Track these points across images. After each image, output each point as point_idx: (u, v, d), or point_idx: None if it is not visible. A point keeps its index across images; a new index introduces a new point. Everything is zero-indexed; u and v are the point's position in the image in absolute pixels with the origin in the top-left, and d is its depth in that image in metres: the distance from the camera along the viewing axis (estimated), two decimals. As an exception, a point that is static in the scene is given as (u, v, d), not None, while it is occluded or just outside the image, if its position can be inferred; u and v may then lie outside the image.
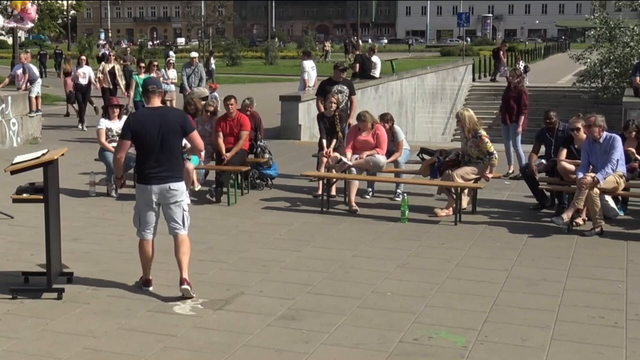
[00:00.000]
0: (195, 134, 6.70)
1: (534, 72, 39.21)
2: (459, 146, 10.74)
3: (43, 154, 6.60)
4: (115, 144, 10.54)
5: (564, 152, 9.38)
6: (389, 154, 10.54)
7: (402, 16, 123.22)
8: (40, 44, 56.16)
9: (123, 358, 5.31)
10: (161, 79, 18.13)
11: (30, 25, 19.24)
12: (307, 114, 17.55)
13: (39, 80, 19.09)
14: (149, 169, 6.50)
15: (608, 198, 9.21)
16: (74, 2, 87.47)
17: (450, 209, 9.56)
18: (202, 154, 10.87)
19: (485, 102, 31.18)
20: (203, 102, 11.76)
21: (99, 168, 11.22)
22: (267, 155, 11.38)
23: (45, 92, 23.11)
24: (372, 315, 6.15)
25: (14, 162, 6.66)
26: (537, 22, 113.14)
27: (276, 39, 58.81)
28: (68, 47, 74.04)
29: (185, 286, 6.48)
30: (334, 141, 10.99)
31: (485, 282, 7.03)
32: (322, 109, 11.60)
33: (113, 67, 19.19)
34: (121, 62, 23.92)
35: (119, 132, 10.00)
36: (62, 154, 6.79)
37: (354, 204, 9.92)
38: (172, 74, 19.41)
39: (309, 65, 19.40)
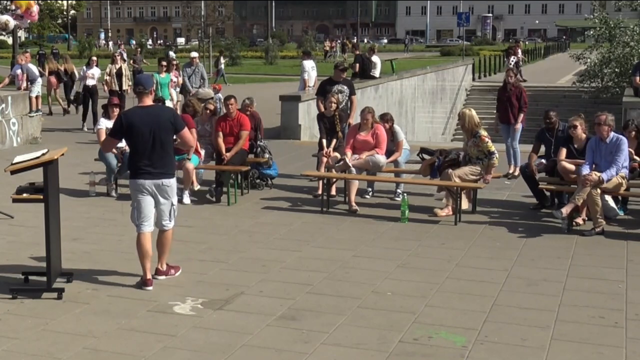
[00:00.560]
0: (185, 132, 6.93)
1: (534, 72, 39.30)
2: (459, 146, 10.75)
3: (43, 154, 6.59)
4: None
5: (563, 152, 9.38)
6: (388, 154, 10.54)
7: (402, 16, 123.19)
8: (40, 43, 56.13)
9: (123, 358, 5.31)
10: (180, 79, 17.84)
11: (27, 23, 19.15)
12: (307, 114, 17.55)
13: (39, 80, 19.05)
14: (142, 166, 6.72)
15: (608, 198, 9.22)
16: (74, 2, 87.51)
17: (450, 208, 9.55)
18: (202, 153, 10.89)
19: (486, 101, 31.15)
20: (202, 103, 11.77)
21: (99, 168, 11.22)
22: (267, 155, 11.38)
23: (44, 91, 23.09)
24: (372, 315, 6.15)
25: (14, 162, 6.65)
26: (537, 22, 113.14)
27: (270, 40, 58.70)
28: (68, 47, 74.06)
29: (157, 276, 6.94)
30: (334, 141, 10.99)
31: (485, 282, 7.03)
32: (322, 109, 11.60)
33: (120, 68, 18.81)
34: (131, 62, 23.68)
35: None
36: (62, 154, 6.79)
37: (354, 203, 9.92)
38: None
39: (309, 65, 19.40)
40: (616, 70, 27.62)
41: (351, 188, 10.01)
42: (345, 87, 12.50)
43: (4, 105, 15.46)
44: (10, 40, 42.94)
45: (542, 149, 10.26)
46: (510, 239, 8.61)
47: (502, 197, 10.80)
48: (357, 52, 24.69)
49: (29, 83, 18.24)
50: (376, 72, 23.15)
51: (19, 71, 18.40)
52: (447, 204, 9.68)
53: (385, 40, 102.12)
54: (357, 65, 22.44)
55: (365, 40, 77.86)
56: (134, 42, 76.21)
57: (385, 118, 10.82)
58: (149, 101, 6.84)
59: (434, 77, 31.59)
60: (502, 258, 7.80)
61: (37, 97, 18.27)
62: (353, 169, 10.25)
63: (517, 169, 11.56)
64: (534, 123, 13.88)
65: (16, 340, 5.58)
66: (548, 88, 32.16)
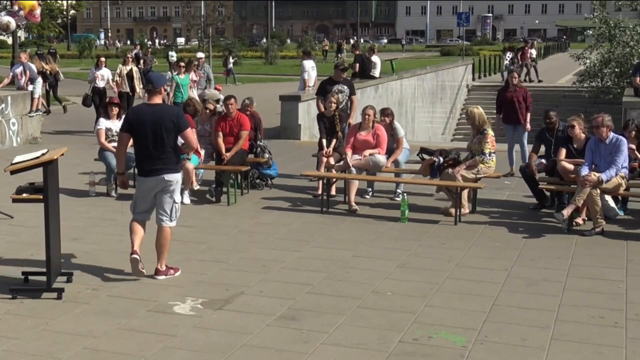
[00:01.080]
0: (188, 132, 7.01)
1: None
2: (459, 146, 10.77)
3: (43, 154, 6.59)
4: (114, 144, 10.65)
5: (563, 152, 9.38)
6: (389, 152, 10.54)
7: (402, 16, 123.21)
8: (40, 43, 56.11)
9: (123, 358, 5.31)
10: (202, 79, 17.46)
11: (25, 20, 19.07)
12: (307, 113, 17.55)
13: (40, 79, 19.03)
14: (145, 162, 6.93)
15: (608, 198, 9.22)
16: (74, 2, 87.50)
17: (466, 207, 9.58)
18: (202, 153, 10.89)
19: (486, 101, 31.11)
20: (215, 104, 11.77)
21: (99, 168, 11.22)
22: (267, 155, 11.38)
23: (44, 91, 23.09)
24: (372, 315, 6.15)
25: (13, 162, 6.65)
26: (537, 22, 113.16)
27: (265, 40, 58.77)
28: (68, 47, 74.06)
29: (156, 276, 6.99)
30: (334, 141, 10.99)
31: (485, 282, 7.03)
32: (322, 109, 11.60)
33: (131, 70, 18.27)
34: (141, 62, 23.25)
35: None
36: (62, 154, 6.79)
37: (353, 203, 9.92)
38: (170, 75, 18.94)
39: (309, 65, 19.39)
40: (616, 70, 27.62)
41: (351, 188, 10.01)
42: (346, 87, 12.50)
43: (3, 105, 15.47)
44: (10, 40, 42.94)
45: (542, 149, 10.26)
46: (510, 239, 8.61)
47: (502, 197, 10.80)
48: (357, 52, 24.69)
49: (28, 82, 18.20)
50: (376, 72, 23.16)
51: (18, 70, 18.34)
52: (452, 205, 9.69)
53: (385, 40, 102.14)
54: (357, 65, 22.45)
55: (362, 40, 77.79)
56: (149, 42, 75.82)
57: (386, 112, 10.84)
58: (157, 100, 6.98)
59: (434, 77, 31.59)
60: (502, 258, 7.80)
61: (37, 97, 18.24)
62: (353, 169, 10.25)
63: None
64: (534, 123, 13.85)
65: (16, 340, 5.57)
66: (548, 88, 32.14)
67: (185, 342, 5.58)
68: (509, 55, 37.07)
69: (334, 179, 10.32)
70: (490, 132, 9.85)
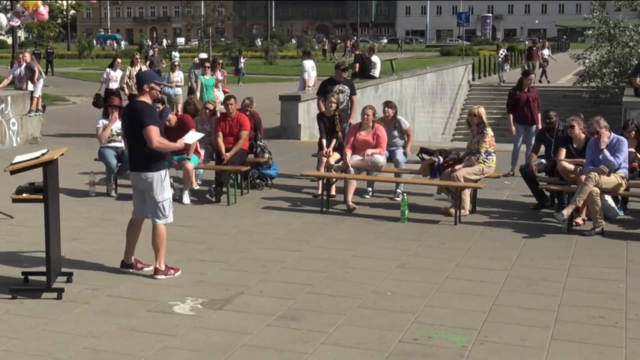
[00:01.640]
0: (147, 130, 6.79)
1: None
2: (459, 146, 10.78)
3: (43, 154, 6.59)
4: (114, 144, 10.68)
5: (563, 152, 9.38)
6: (395, 146, 10.67)
7: (402, 16, 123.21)
8: (40, 43, 56.10)
9: (123, 358, 5.31)
10: (222, 77, 17.16)
11: (30, 19, 19.02)
12: (307, 113, 17.55)
13: (41, 80, 18.99)
14: (129, 157, 7.19)
15: (608, 198, 9.21)
16: (74, 2, 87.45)
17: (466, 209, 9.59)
18: (202, 153, 10.89)
19: (486, 101, 31.15)
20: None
21: (99, 168, 11.22)
22: (267, 155, 11.38)
23: (44, 91, 23.09)
24: (372, 315, 6.15)
25: (13, 162, 6.65)
26: (537, 22, 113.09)
27: (258, 40, 58.80)
28: (68, 47, 74.06)
29: (156, 275, 7.07)
30: (334, 141, 10.99)
31: (485, 282, 7.03)
32: (323, 109, 11.60)
33: (139, 71, 17.18)
34: (147, 63, 22.92)
35: (118, 131, 10.07)
36: (62, 154, 6.79)
37: (351, 203, 9.92)
38: (178, 76, 18.30)
39: (309, 65, 19.39)
40: (615, 70, 27.62)
41: (349, 188, 10.01)
42: (346, 87, 12.50)
43: (3, 105, 15.47)
44: (10, 40, 42.92)
45: (542, 149, 10.26)
46: (510, 239, 8.61)
47: (502, 197, 10.80)
48: (357, 52, 24.70)
49: (28, 82, 18.16)
50: (376, 72, 23.17)
51: (19, 70, 18.30)
52: (452, 205, 9.69)
53: (385, 40, 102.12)
54: (357, 65, 22.45)
55: (360, 40, 77.86)
56: (165, 41, 75.43)
57: (390, 105, 10.95)
58: (142, 97, 7.05)
59: (434, 77, 31.60)
60: (502, 258, 7.80)
61: (37, 97, 18.19)
62: (352, 169, 10.25)
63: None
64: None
65: (16, 340, 5.57)
66: (548, 88, 32.13)
67: (185, 342, 5.58)
68: (502, 52, 37.28)
69: (334, 179, 10.32)
70: (490, 132, 9.85)
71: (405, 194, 10.02)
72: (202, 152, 10.91)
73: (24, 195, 6.60)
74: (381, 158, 10.36)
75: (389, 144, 10.66)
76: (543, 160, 10.04)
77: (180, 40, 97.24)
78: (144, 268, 7.21)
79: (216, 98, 16.16)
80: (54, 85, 33.45)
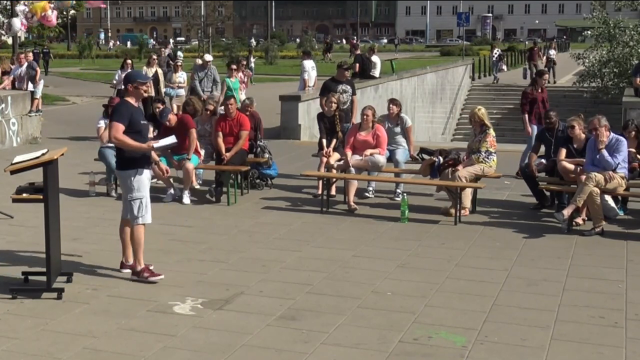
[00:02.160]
0: (111, 124, 6.93)
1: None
2: (459, 146, 10.78)
3: (43, 154, 6.59)
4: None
5: (563, 152, 9.38)
6: (395, 143, 10.70)
7: (402, 16, 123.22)
8: (40, 43, 56.10)
9: (123, 358, 5.31)
10: (246, 78, 16.61)
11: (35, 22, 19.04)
12: (307, 113, 17.56)
13: (42, 80, 18.99)
14: None
15: (608, 198, 9.22)
16: (74, 2, 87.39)
17: (466, 210, 9.59)
18: (202, 153, 10.89)
19: (486, 101, 31.16)
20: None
21: (99, 168, 11.22)
22: (267, 155, 11.38)
23: (44, 91, 23.10)
24: (372, 315, 6.15)
25: (13, 162, 6.65)
26: (537, 22, 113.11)
27: (252, 41, 58.82)
28: (68, 47, 74.04)
29: (122, 269, 7.17)
30: (334, 141, 10.99)
31: (485, 282, 7.03)
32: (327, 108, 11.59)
33: (155, 72, 17.15)
34: (166, 62, 22.33)
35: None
36: (62, 154, 6.79)
37: (352, 203, 9.92)
38: (181, 76, 18.03)
39: (309, 65, 19.38)
40: (615, 70, 27.61)
41: (350, 188, 10.01)
42: (349, 87, 12.52)
43: (3, 105, 15.47)
44: (10, 40, 42.93)
45: (542, 149, 10.26)
46: (510, 239, 8.61)
47: (502, 197, 10.80)
48: (357, 52, 24.69)
49: (29, 82, 18.16)
50: (376, 72, 23.16)
51: (20, 71, 18.30)
52: (452, 205, 9.69)
53: (385, 40, 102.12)
54: (357, 65, 22.44)
55: (360, 40, 77.77)
56: (172, 40, 75.09)
57: (395, 102, 10.97)
58: (127, 97, 7.02)
59: (434, 77, 31.59)
60: (502, 258, 7.80)
61: (38, 98, 18.18)
62: (352, 169, 10.25)
63: None
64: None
65: (16, 340, 5.57)
66: (548, 88, 32.06)
67: (185, 342, 5.58)
68: (496, 51, 37.40)
69: (334, 179, 10.33)
70: (492, 133, 9.85)
71: (405, 194, 10.02)
72: (202, 152, 10.91)
73: (24, 195, 6.60)
74: (381, 158, 10.36)
75: (391, 142, 10.67)
76: (543, 160, 10.04)
77: (181, 40, 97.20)
78: None
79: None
80: (54, 85, 33.45)
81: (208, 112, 11.29)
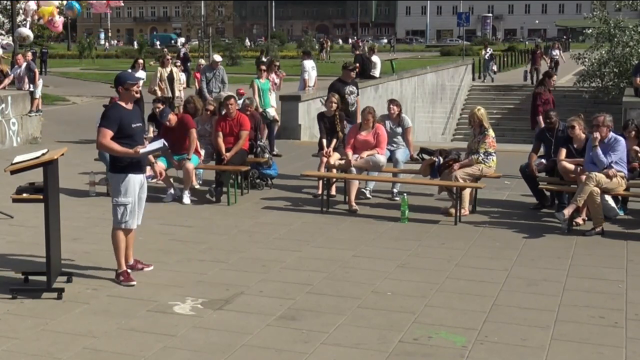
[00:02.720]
0: (98, 130, 6.80)
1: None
2: (459, 146, 10.78)
3: (43, 154, 6.59)
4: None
5: (563, 152, 9.38)
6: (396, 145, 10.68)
7: (402, 16, 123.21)
8: (40, 43, 56.08)
9: (123, 358, 5.31)
10: (278, 80, 16.27)
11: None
12: (307, 113, 17.56)
13: (41, 80, 19.01)
14: None
15: (608, 198, 9.21)
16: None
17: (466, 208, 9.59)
18: (202, 153, 10.89)
19: (486, 101, 31.18)
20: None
21: (99, 168, 11.22)
22: (267, 155, 11.38)
23: (44, 91, 23.11)
24: (372, 315, 6.15)
25: (13, 162, 6.65)
26: (537, 22, 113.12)
27: (247, 41, 58.84)
28: (68, 47, 74.05)
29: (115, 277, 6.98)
30: (334, 141, 10.99)
31: (485, 282, 7.03)
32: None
33: (171, 72, 16.41)
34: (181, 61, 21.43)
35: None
36: (62, 154, 6.79)
37: (353, 203, 9.92)
38: (184, 76, 17.99)
39: (309, 65, 19.37)
40: (615, 70, 27.61)
41: (351, 188, 10.01)
42: (355, 88, 12.54)
43: (3, 105, 15.47)
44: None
45: (542, 148, 10.26)
46: (510, 239, 8.61)
47: (502, 197, 10.80)
48: (357, 52, 24.69)
49: (29, 82, 18.17)
50: (376, 72, 23.17)
51: (19, 70, 18.32)
52: (452, 205, 9.69)
53: (385, 40, 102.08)
54: (357, 65, 22.42)
55: (355, 39, 77.60)
56: (182, 40, 74.69)
57: (395, 102, 10.99)
58: (118, 99, 6.91)
59: (434, 77, 31.59)
60: (502, 258, 7.80)
61: (38, 98, 18.20)
62: (353, 169, 10.25)
63: None
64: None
65: (16, 340, 5.57)
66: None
67: (185, 342, 5.58)
68: (488, 50, 37.49)
69: (334, 179, 10.32)
70: (491, 133, 9.85)
71: (405, 194, 10.02)
72: (202, 152, 10.91)
73: (24, 195, 6.60)
74: (382, 158, 10.36)
75: (391, 142, 10.67)
76: (543, 160, 10.04)
77: (181, 40, 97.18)
78: (145, 268, 7.21)
79: (271, 106, 14.94)
80: (54, 85, 33.45)
81: (208, 112, 11.29)
